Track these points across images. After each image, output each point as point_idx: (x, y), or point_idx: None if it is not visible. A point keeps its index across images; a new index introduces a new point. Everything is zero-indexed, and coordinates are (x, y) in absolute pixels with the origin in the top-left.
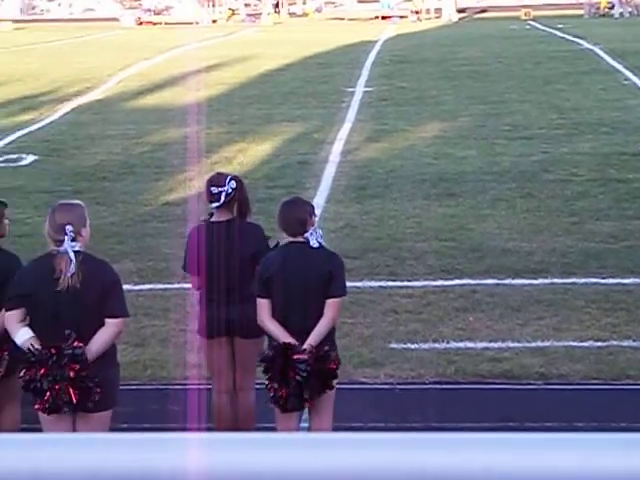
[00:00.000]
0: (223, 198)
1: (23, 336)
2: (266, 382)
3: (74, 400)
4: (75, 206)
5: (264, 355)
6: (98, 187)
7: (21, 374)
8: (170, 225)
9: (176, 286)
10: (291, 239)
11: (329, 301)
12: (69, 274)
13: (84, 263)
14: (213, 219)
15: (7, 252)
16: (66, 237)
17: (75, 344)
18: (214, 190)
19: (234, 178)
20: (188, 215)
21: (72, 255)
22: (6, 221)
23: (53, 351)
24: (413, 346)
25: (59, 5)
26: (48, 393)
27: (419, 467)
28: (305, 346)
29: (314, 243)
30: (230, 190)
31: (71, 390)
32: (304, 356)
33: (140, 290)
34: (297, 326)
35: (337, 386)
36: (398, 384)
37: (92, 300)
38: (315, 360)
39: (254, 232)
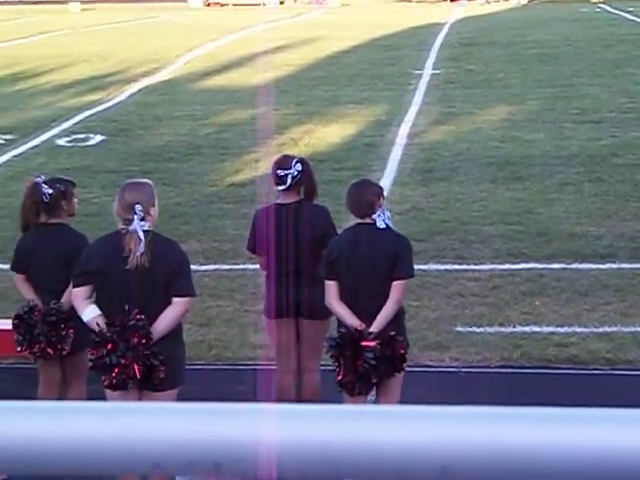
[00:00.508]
0: (289, 181)
1: (90, 314)
2: (334, 366)
3: (138, 376)
4: (144, 185)
5: (332, 341)
6: (164, 168)
7: (90, 356)
8: (236, 206)
9: (241, 267)
10: (359, 220)
11: (395, 283)
12: (138, 253)
13: (153, 242)
14: (279, 201)
15: (74, 231)
16: (135, 216)
17: (136, 316)
18: (280, 173)
19: (300, 160)
20: (254, 196)
21: (141, 234)
22: (75, 200)
23: (117, 327)
24: (479, 330)
25: None
26: (116, 369)
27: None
28: (372, 329)
29: (381, 224)
30: (296, 173)
31: (135, 366)
32: (372, 343)
33: (205, 270)
34: (364, 308)
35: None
36: (463, 368)
37: (160, 279)
38: (383, 345)
39: (321, 214)
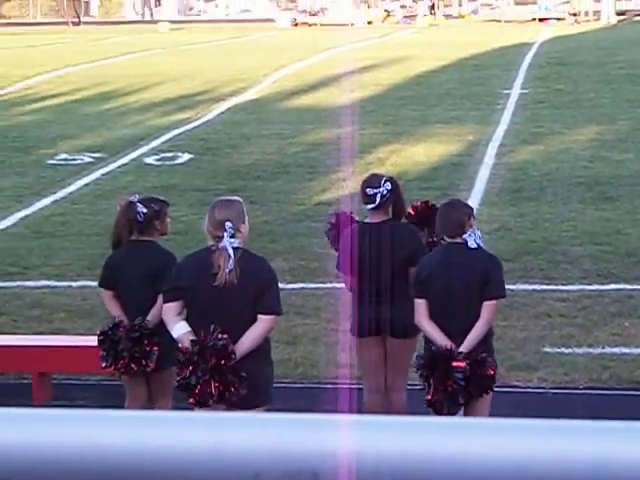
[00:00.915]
0: (378, 199)
1: (179, 330)
2: (422, 385)
3: (214, 393)
4: (234, 202)
5: (421, 360)
6: (252, 186)
7: (177, 377)
8: (323, 225)
9: (328, 285)
10: (449, 240)
11: (486, 303)
12: (227, 270)
13: (242, 259)
14: (368, 220)
15: (163, 249)
16: (225, 233)
17: (218, 336)
18: (369, 191)
19: (389, 179)
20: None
21: (231, 251)
22: (168, 220)
23: (197, 347)
24: (567, 350)
25: (216, 6)
26: (197, 389)
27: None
28: (462, 349)
29: (472, 244)
30: (385, 192)
31: (212, 384)
32: (462, 364)
33: (292, 289)
34: (454, 328)
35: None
36: (551, 388)
37: (248, 296)
38: (472, 365)
39: (409, 234)
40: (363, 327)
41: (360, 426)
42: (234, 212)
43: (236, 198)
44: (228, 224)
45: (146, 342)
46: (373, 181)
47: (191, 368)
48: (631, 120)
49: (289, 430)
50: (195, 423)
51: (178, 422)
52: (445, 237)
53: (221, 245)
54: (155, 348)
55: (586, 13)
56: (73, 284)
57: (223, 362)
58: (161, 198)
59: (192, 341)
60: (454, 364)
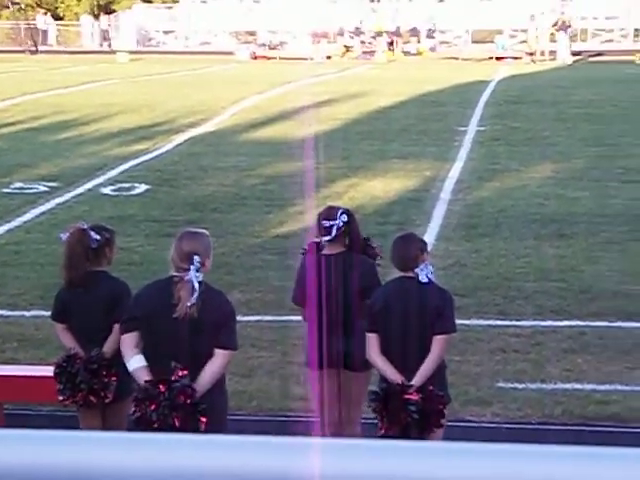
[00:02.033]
0: (334, 231)
1: (135, 364)
2: (376, 420)
3: (177, 425)
4: (202, 235)
5: (374, 394)
6: (209, 218)
7: (131, 411)
8: (279, 257)
9: (284, 318)
10: (402, 274)
11: (436, 337)
12: (189, 303)
13: (204, 293)
14: (324, 252)
15: (116, 278)
16: (192, 267)
17: (180, 374)
18: (325, 223)
19: (345, 212)
20: (297, 248)
21: (196, 285)
22: (115, 248)
23: (162, 388)
24: (520, 386)
25: (175, 38)
26: (156, 423)
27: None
28: (413, 382)
29: (423, 278)
30: (341, 223)
31: (174, 419)
32: (415, 397)
33: (248, 321)
34: (405, 361)
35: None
36: (505, 423)
37: (207, 330)
38: (424, 399)
39: (364, 266)
40: (318, 360)
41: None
42: (202, 245)
43: (203, 231)
44: (196, 257)
45: (104, 373)
46: (329, 213)
47: (153, 407)
48: (586, 158)
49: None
50: (156, 444)
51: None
52: (398, 270)
53: (187, 278)
54: (113, 379)
55: (542, 53)
56: (26, 313)
57: (188, 401)
58: (107, 226)
59: (154, 380)
60: (406, 397)
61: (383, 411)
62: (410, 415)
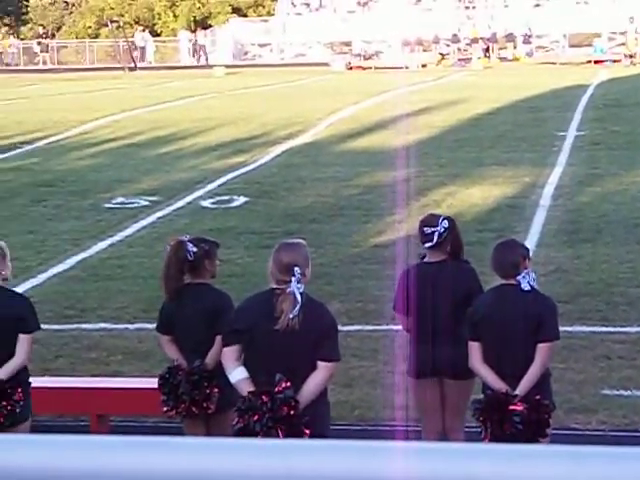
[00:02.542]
0: (436, 238)
1: (237, 376)
2: (479, 428)
3: (280, 437)
4: (300, 246)
5: (477, 404)
6: (308, 229)
7: (234, 422)
8: (379, 267)
9: (384, 327)
10: (503, 281)
11: (540, 345)
12: (291, 315)
13: (305, 305)
14: (426, 260)
15: (218, 290)
16: (293, 278)
17: (284, 385)
18: (427, 230)
19: (447, 218)
20: (397, 257)
21: (299, 297)
22: (217, 261)
23: (265, 399)
24: (626, 393)
25: (271, 51)
26: (261, 434)
27: None
28: (517, 392)
29: (525, 286)
30: (443, 230)
31: (278, 431)
32: (519, 407)
33: (349, 331)
34: (508, 371)
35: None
36: (610, 431)
37: (308, 342)
38: (529, 409)
39: (467, 273)
40: (420, 368)
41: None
42: (300, 256)
43: (301, 241)
44: (296, 269)
45: (206, 385)
46: (431, 220)
47: (256, 417)
48: None
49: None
50: (267, 450)
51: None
52: (500, 277)
53: (289, 290)
54: (215, 390)
55: None
56: (130, 326)
57: (292, 412)
58: (211, 239)
59: (257, 391)
60: (511, 407)
61: (487, 421)
62: (515, 426)
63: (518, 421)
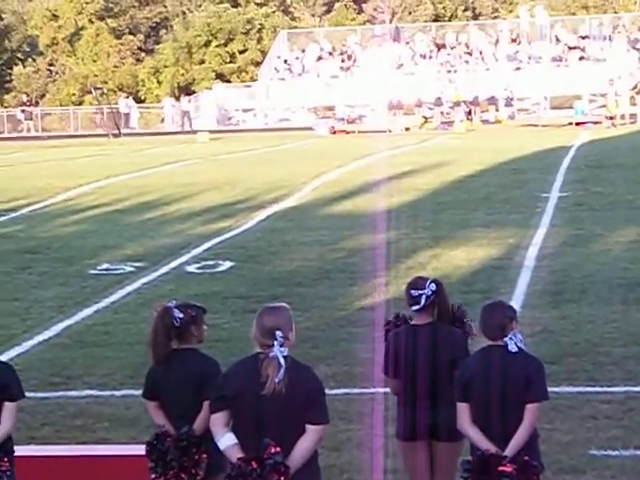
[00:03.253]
0: (423, 301)
1: (226, 442)
2: None
3: None
4: (282, 309)
5: (467, 465)
6: (294, 292)
7: None
8: (365, 330)
9: (371, 390)
10: (491, 343)
11: (528, 406)
12: (277, 379)
13: (291, 368)
14: (413, 322)
15: (206, 356)
16: (275, 342)
17: (273, 451)
18: (414, 293)
19: (434, 281)
20: (383, 320)
21: (282, 361)
22: (204, 327)
23: (255, 465)
24: (614, 453)
25: (254, 116)
26: None
27: None
28: (506, 453)
29: (512, 347)
30: (430, 293)
31: None
32: (509, 469)
33: (335, 394)
34: (497, 432)
35: None
36: None
37: (296, 406)
38: (518, 470)
39: (454, 337)
40: (409, 431)
41: None
42: (283, 320)
43: (283, 305)
44: (278, 333)
45: (194, 450)
46: (418, 283)
47: None
48: None
49: None
50: None
51: None
52: (487, 339)
53: (272, 354)
54: (204, 456)
55: (622, 116)
56: (116, 393)
57: (282, 478)
58: (197, 304)
59: (246, 458)
60: (500, 469)
61: None
62: None
63: None
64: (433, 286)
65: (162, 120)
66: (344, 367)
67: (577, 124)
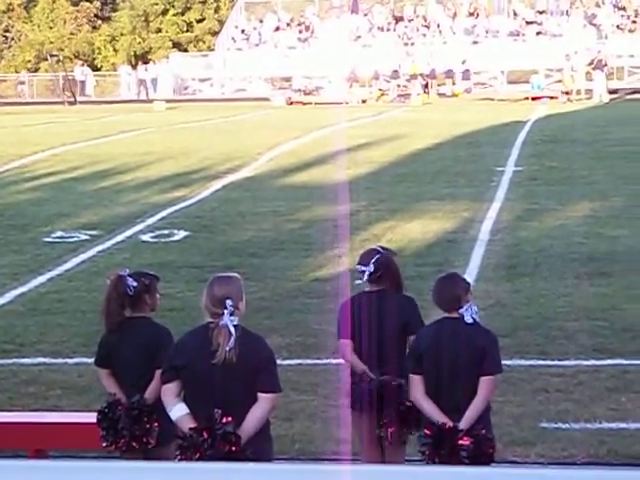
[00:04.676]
0: (366, 277)
1: (178, 412)
2: (424, 461)
3: None
4: (233, 279)
5: (423, 439)
6: (248, 263)
7: (176, 458)
8: (319, 301)
9: (324, 361)
10: (445, 315)
11: (483, 378)
12: (227, 348)
13: (241, 337)
14: (366, 289)
15: (158, 324)
16: (225, 311)
17: (225, 421)
18: (359, 268)
19: (379, 259)
20: (337, 291)
21: (232, 329)
22: (157, 295)
23: (205, 435)
24: (564, 426)
25: (211, 85)
26: None
27: None
28: (461, 426)
29: (468, 319)
30: (373, 269)
31: None
32: (467, 442)
33: (289, 365)
34: (450, 404)
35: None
36: (549, 464)
37: (247, 374)
38: (474, 444)
39: (406, 303)
40: (360, 401)
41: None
42: (233, 289)
43: (234, 274)
44: (228, 301)
45: (146, 419)
46: (363, 258)
47: (198, 454)
48: (624, 196)
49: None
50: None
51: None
52: (442, 311)
53: (222, 323)
54: (155, 424)
55: (578, 92)
56: (69, 361)
57: (233, 448)
58: (151, 272)
59: (198, 428)
60: (459, 442)
61: (433, 454)
62: (461, 460)
63: (465, 455)
64: (384, 255)
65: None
66: (297, 338)
67: (533, 99)
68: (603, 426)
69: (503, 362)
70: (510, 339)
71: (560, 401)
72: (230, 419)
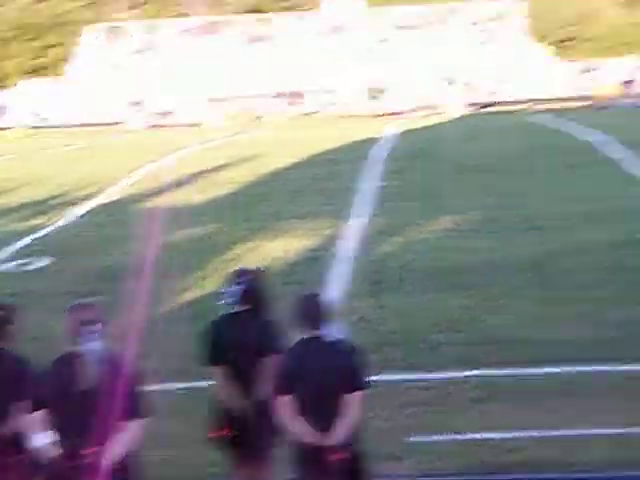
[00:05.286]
0: (241, 292)
1: (42, 441)
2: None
3: None
4: (93, 305)
5: (297, 457)
6: (112, 288)
7: None
8: (183, 324)
9: (192, 385)
10: (309, 334)
11: (351, 395)
12: (90, 375)
13: (104, 363)
14: (231, 311)
15: (19, 356)
16: (87, 337)
17: (90, 450)
18: (233, 285)
19: (253, 272)
20: (203, 313)
21: (95, 356)
22: (16, 326)
23: (70, 463)
24: (433, 438)
25: (66, 111)
26: None
27: None
28: (334, 443)
29: (331, 337)
30: (248, 283)
31: None
32: (340, 457)
33: (154, 390)
34: (319, 423)
35: None
36: (418, 477)
37: (112, 400)
38: (349, 460)
39: (269, 325)
40: (217, 423)
41: None
42: (93, 315)
43: (94, 300)
44: (89, 328)
45: (10, 451)
46: (237, 274)
47: None
48: (483, 209)
49: None
50: None
51: None
52: (304, 330)
53: (84, 350)
54: (20, 456)
55: (433, 107)
56: None
57: (99, 475)
58: (9, 303)
59: (64, 456)
60: (333, 459)
61: (307, 473)
62: (336, 477)
63: (338, 472)
64: (251, 276)
65: None
66: (164, 362)
67: (392, 114)
68: (470, 437)
69: (370, 377)
70: (376, 354)
71: (427, 414)
72: (96, 448)
